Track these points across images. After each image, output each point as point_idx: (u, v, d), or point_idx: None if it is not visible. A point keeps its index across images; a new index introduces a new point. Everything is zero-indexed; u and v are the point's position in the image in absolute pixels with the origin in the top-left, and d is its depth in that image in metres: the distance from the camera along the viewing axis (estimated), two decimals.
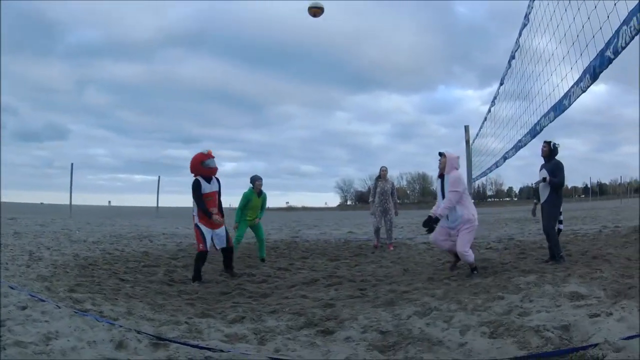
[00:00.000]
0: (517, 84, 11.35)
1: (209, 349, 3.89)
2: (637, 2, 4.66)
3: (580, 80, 6.43)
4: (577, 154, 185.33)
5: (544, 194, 9.08)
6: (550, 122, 8.18)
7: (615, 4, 5.17)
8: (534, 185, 9.09)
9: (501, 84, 13.66)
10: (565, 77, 7.23)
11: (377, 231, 13.26)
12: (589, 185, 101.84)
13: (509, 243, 13.24)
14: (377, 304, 5.93)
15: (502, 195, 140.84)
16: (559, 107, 7.52)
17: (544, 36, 8.61)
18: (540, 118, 8.66)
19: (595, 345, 3.63)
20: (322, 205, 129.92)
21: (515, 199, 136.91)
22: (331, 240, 16.24)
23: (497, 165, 14.76)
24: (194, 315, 5.42)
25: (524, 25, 9.96)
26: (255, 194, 10.56)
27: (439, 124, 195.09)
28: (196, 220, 8.15)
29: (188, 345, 4.01)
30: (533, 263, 8.82)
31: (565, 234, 14.65)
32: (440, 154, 7.98)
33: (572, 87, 6.74)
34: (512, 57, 11.61)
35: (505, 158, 13.48)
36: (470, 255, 7.80)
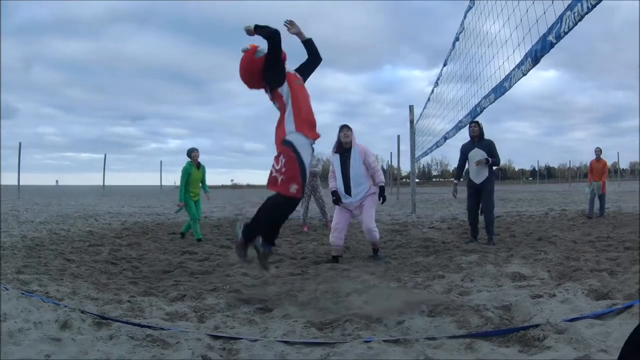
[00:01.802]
0: (460, 65, 11.84)
1: (150, 327, 3.98)
2: None
3: (521, 63, 6.74)
4: (526, 137, 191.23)
5: (482, 174, 9.47)
6: (491, 103, 8.53)
7: None
8: (475, 165, 9.34)
9: (444, 65, 14.20)
10: (507, 60, 7.57)
11: (304, 212, 13.25)
12: (536, 169, 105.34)
13: (453, 223, 13.68)
14: (317, 281, 6.08)
15: (448, 176, 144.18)
16: (500, 89, 7.83)
17: (488, 19, 8.90)
18: (481, 100, 9.01)
19: (537, 325, 3.77)
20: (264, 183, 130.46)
21: (461, 180, 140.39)
22: None
23: (437, 145, 15.45)
24: (137, 294, 5.50)
25: (469, 7, 10.24)
26: (194, 166, 10.59)
27: (384, 104, 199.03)
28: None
29: (130, 323, 4.08)
30: (476, 243, 9.12)
31: (510, 215, 15.20)
32: (348, 127, 7.83)
33: (514, 70, 7.06)
34: (457, 39, 11.99)
35: (445, 138, 14.13)
36: (377, 232, 7.88)
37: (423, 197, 35.64)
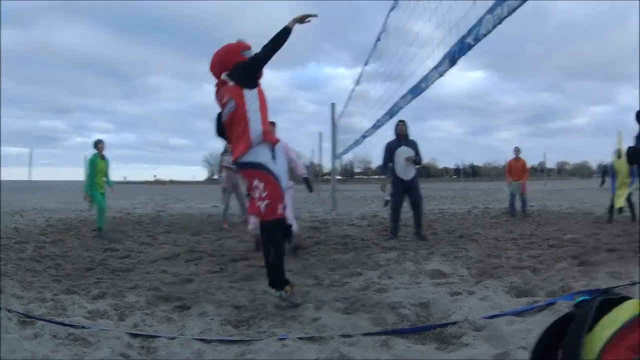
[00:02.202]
0: (381, 65, 12.01)
1: (72, 326, 3.95)
2: None
3: (439, 64, 6.79)
4: (451, 136, 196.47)
5: (410, 171, 9.62)
6: (407, 103, 8.69)
7: None
8: (406, 161, 9.44)
9: (365, 64, 14.32)
10: (427, 60, 7.57)
11: (225, 209, 13.14)
12: (460, 167, 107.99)
13: (373, 220, 13.77)
14: (235, 279, 6.05)
15: (370, 173, 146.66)
16: (417, 90, 7.93)
17: (409, 19, 8.95)
18: (399, 99, 9.09)
19: (455, 323, 3.77)
20: (190, 179, 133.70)
21: (384, 177, 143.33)
22: (195, 214, 16.86)
23: (356, 143, 15.70)
24: (60, 292, 5.38)
25: (392, 7, 10.28)
26: (99, 157, 10.72)
27: (308, 101, 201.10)
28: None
29: (53, 322, 4.03)
30: (396, 240, 9.13)
31: (432, 212, 15.41)
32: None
33: (431, 71, 7.10)
34: (378, 38, 12.04)
35: (364, 137, 14.38)
36: (296, 227, 7.68)
37: (345, 194, 36.12)
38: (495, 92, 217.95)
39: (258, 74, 5.01)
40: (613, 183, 11.72)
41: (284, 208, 4.82)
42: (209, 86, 5.29)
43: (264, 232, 4.83)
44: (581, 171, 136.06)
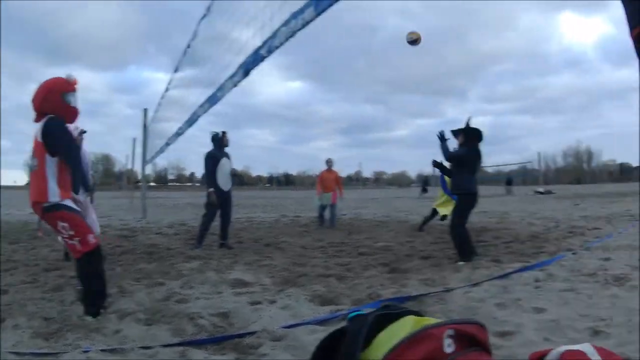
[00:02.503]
0: (190, 73, 12.31)
1: None
2: (300, 8, 5.14)
3: (234, 75, 7.01)
4: (266, 144, 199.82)
5: (229, 183, 9.80)
6: (205, 112, 8.95)
7: (281, 6, 5.64)
8: (228, 174, 9.63)
9: (175, 71, 14.49)
10: (223, 71, 7.86)
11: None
12: (274, 175, 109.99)
13: (180, 228, 13.68)
14: (46, 289, 5.79)
15: (184, 180, 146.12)
16: (213, 99, 8.20)
17: (215, 29, 9.33)
18: (197, 108, 9.26)
19: (253, 333, 3.85)
20: (11, 183, 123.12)
21: (197, 184, 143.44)
22: (13, 221, 15.93)
23: (162, 150, 15.75)
24: None
25: (204, 16, 10.45)
26: None
27: (124, 104, 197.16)
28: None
29: None
30: (200, 249, 9.17)
31: (240, 221, 15.49)
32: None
33: (226, 80, 7.31)
34: (188, 46, 12.24)
35: (168, 144, 14.55)
36: None
37: (158, 201, 35.65)
38: (314, 102, 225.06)
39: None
40: (447, 190, 12.18)
41: (94, 237, 4.73)
42: (34, 86, 5.00)
43: (83, 266, 4.70)
44: (399, 180, 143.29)
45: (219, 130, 9.92)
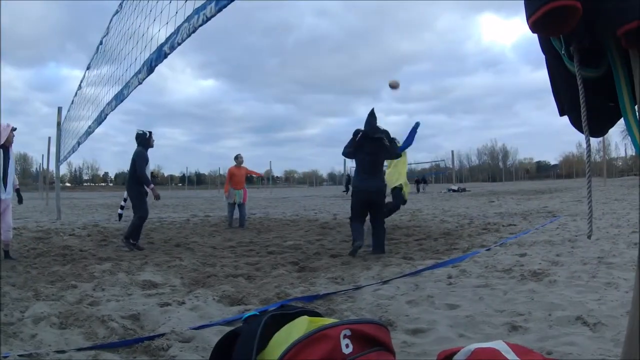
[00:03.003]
0: (102, 70, 12.18)
1: None
2: (202, 4, 5.32)
3: (139, 72, 7.15)
4: (177, 143, 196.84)
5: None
6: (112, 110, 8.99)
7: (185, 2, 5.78)
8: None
9: (88, 68, 14.58)
10: (129, 68, 8.03)
11: None
12: (186, 175, 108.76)
13: (93, 229, 13.50)
14: None
15: (98, 180, 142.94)
16: (120, 97, 8.22)
17: (126, 25, 9.31)
18: (105, 106, 9.28)
19: (162, 335, 3.95)
20: None
21: (111, 184, 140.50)
22: None
23: (73, 150, 15.72)
24: None
25: (117, 11, 10.48)
26: None
27: (42, 103, 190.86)
28: None
29: None
30: (112, 250, 9.20)
31: (151, 221, 15.41)
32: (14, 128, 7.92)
33: (132, 78, 7.42)
34: (100, 42, 12.28)
35: (79, 143, 14.61)
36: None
37: (72, 202, 34.78)
38: (226, 101, 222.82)
39: None
40: None
41: None
42: None
43: None
44: (310, 179, 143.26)
45: (145, 129, 10.00)
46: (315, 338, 1.87)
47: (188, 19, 5.58)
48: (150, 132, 9.88)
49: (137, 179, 9.77)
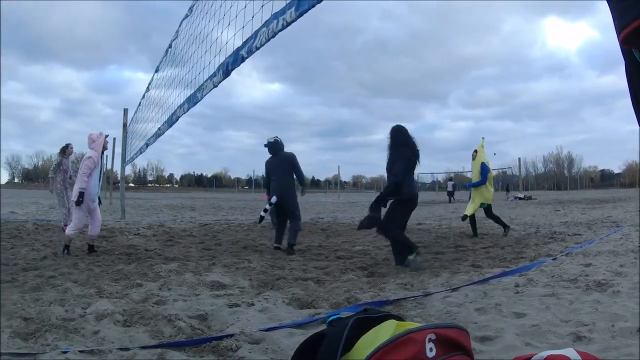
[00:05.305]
0: (171, 73, 12.24)
1: None
2: (281, 8, 5.17)
3: (214, 75, 7.07)
4: (243, 147, 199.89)
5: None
6: (185, 112, 8.96)
7: (262, 5, 5.66)
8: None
9: (156, 71, 14.72)
10: (202, 71, 7.96)
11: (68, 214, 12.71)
12: (252, 177, 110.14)
13: (159, 230, 13.64)
14: (25, 289, 5.75)
15: (163, 181, 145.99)
16: (193, 100, 8.20)
17: (197, 29, 9.28)
18: (177, 109, 9.30)
19: (231, 335, 3.85)
20: None
21: (177, 185, 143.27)
22: None
23: (141, 151, 15.84)
24: None
25: (186, 16, 10.54)
26: None
27: (104, 104, 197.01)
28: None
29: None
30: (178, 251, 9.21)
31: (219, 223, 15.46)
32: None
33: (206, 81, 7.35)
34: (170, 46, 12.39)
35: (147, 145, 14.66)
36: None
37: (136, 202, 35.48)
38: (292, 104, 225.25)
39: None
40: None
41: None
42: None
43: None
44: (378, 184, 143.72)
45: (271, 137, 10.15)
46: (401, 341, 1.84)
47: (266, 24, 5.50)
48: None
49: (294, 185, 9.87)
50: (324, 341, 2.05)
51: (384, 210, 7.69)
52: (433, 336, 1.86)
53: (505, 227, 12.05)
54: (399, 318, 2.16)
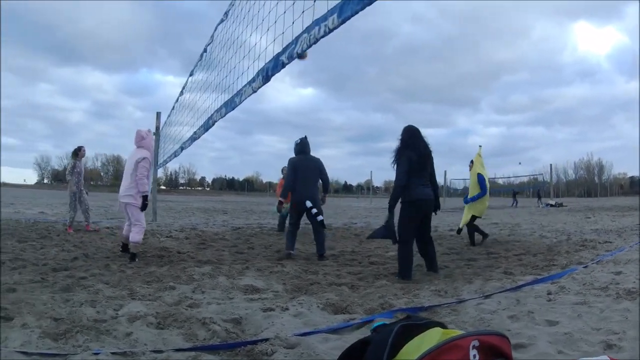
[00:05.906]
0: (206, 77, 12.34)
1: None
2: (323, 15, 5.15)
3: (253, 80, 7.07)
4: (274, 151, 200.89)
5: None
6: (222, 117, 9.01)
7: (303, 11, 5.61)
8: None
9: (191, 75, 14.79)
10: (241, 76, 7.98)
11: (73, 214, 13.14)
12: None
13: (191, 232, 13.69)
14: (55, 289, 5.79)
15: (194, 184, 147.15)
16: (231, 104, 8.22)
17: (234, 34, 9.30)
18: (213, 113, 9.35)
19: (266, 340, 3.81)
20: (21, 182, 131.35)
21: (208, 189, 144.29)
22: (22, 220, 16.04)
23: (175, 154, 15.98)
24: None
25: (222, 20, 10.57)
26: None
27: (135, 107, 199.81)
28: None
29: None
30: (211, 254, 9.23)
31: (250, 227, 15.46)
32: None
33: (245, 86, 7.36)
34: (205, 50, 12.46)
35: (182, 148, 14.74)
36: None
37: (168, 204, 35.76)
38: (325, 109, 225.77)
39: None
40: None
41: None
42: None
43: None
44: None
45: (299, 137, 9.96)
46: (447, 348, 1.85)
47: (307, 30, 5.48)
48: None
49: (318, 188, 9.76)
50: (369, 347, 2.04)
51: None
52: (477, 343, 1.88)
53: (484, 235, 11.72)
54: (443, 325, 2.18)
